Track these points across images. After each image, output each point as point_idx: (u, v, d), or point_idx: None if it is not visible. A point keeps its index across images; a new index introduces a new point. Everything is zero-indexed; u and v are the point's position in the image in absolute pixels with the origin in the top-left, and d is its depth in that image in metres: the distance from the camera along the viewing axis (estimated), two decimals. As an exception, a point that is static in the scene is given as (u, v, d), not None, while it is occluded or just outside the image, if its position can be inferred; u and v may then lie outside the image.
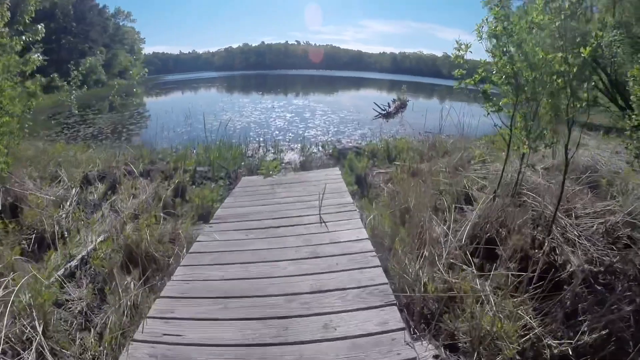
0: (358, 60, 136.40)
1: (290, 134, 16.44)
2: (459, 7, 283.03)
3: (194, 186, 8.17)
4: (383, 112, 22.88)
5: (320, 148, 12.64)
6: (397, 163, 9.39)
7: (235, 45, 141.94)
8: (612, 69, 21.65)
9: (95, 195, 7.19)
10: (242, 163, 10.11)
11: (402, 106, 26.62)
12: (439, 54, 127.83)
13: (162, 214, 5.92)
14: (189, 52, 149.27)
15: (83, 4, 51.14)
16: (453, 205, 5.35)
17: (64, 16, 47.06)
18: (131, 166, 8.67)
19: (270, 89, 47.52)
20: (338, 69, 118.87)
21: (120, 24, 68.09)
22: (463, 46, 5.07)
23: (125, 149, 11.01)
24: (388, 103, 25.52)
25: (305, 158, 10.32)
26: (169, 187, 7.43)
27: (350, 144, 12.90)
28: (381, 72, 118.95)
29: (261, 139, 14.48)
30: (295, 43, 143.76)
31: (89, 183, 7.76)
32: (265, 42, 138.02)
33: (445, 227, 4.81)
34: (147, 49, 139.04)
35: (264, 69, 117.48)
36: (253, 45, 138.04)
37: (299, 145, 13.48)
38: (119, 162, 9.11)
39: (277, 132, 16.84)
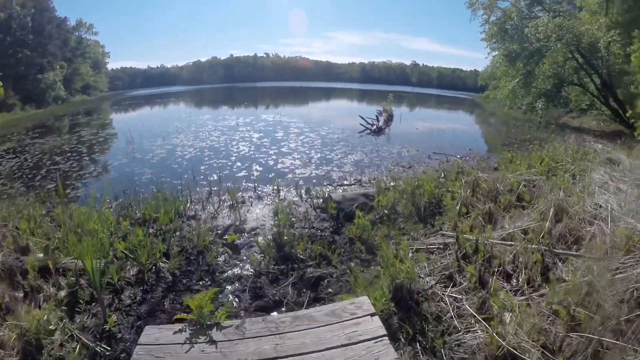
0: (328, 71, 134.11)
1: (256, 167, 11.87)
2: (425, 17, 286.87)
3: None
4: (372, 128, 18.79)
5: (303, 195, 8.38)
6: (449, 233, 5.31)
7: (203, 59, 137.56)
8: (607, 71, 21.41)
9: None
10: (169, 245, 5.75)
11: (389, 119, 22.78)
12: (408, 62, 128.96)
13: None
14: (157, 67, 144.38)
15: (42, 16, 46.27)
16: None
17: (21, 29, 42.17)
18: None
19: (237, 102, 42.82)
20: (308, 80, 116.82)
21: (83, 37, 63.56)
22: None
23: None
24: (376, 116, 21.57)
25: (280, 227, 5.92)
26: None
27: (350, 189, 8.75)
28: (351, 82, 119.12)
29: (213, 177, 10.22)
30: (264, 55, 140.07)
31: None
32: (234, 55, 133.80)
33: None
34: (114, 64, 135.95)
35: (233, 81, 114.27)
36: (222, 58, 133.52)
37: (270, 188, 9.22)
38: None
39: (238, 164, 12.25)
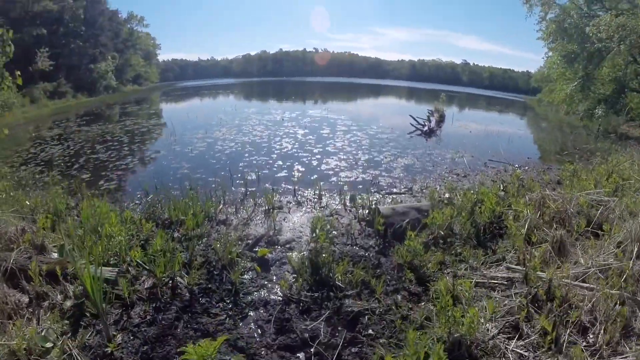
0: (376, 68, 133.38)
1: (298, 167, 11.07)
2: (474, 14, 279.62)
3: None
4: (423, 129, 17.70)
5: (348, 204, 7.54)
6: (516, 267, 4.48)
7: (253, 52, 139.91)
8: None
9: None
10: (191, 255, 5.07)
11: (441, 119, 21.57)
12: (458, 61, 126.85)
13: None
14: (207, 59, 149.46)
15: (94, 8, 47.71)
16: None
17: (73, 20, 43.59)
18: None
19: (284, 96, 42.41)
20: (356, 77, 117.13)
21: (134, 29, 66.18)
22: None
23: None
24: (427, 116, 20.40)
25: (317, 242, 5.04)
26: None
27: (400, 198, 7.84)
28: (399, 79, 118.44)
29: (251, 176, 9.61)
30: (313, 50, 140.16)
31: None
32: (283, 49, 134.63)
33: None
34: (166, 56, 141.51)
35: (281, 76, 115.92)
36: (271, 52, 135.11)
37: (311, 192, 8.44)
38: None
39: (279, 163, 11.40)
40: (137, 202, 7.87)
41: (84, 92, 41.72)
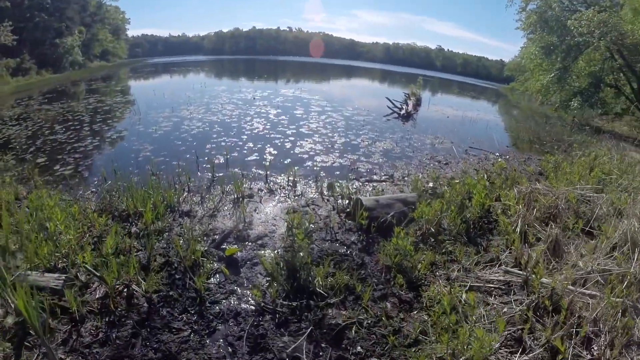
0: (350, 49, 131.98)
1: (270, 149, 10.19)
2: (450, 1, 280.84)
3: None
4: (400, 112, 17.21)
5: (325, 192, 6.94)
6: (514, 271, 4.27)
7: (225, 30, 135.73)
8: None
9: None
10: (150, 254, 4.45)
11: (418, 103, 21.21)
12: (433, 46, 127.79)
13: None
14: (179, 35, 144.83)
15: None
16: None
17: None
18: None
19: (257, 75, 41.17)
20: (330, 57, 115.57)
21: (102, 2, 62.78)
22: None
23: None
24: (405, 99, 19.95)
25: (293, 239, 4.46)
26: None
27: (381, 188, 7.27)
28: (373, 62, 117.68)
29: (219, 159, 9.01)
30: (287, 29, 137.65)
31: None
32: (257, 27, 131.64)
33: None
34: (135, 31, 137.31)
35: (254, 54, 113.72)
36: (244, 30, 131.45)
37: (284, 178, 7.82)
38: None
39: (250, 145, 10.51)
40: (94, 189, 7.11)
41: (49, 69, 39.44)
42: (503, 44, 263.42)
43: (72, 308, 3.49)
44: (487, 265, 4.45)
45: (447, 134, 13.55)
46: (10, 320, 3.34)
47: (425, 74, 53.31)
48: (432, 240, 4.89)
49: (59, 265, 4.22)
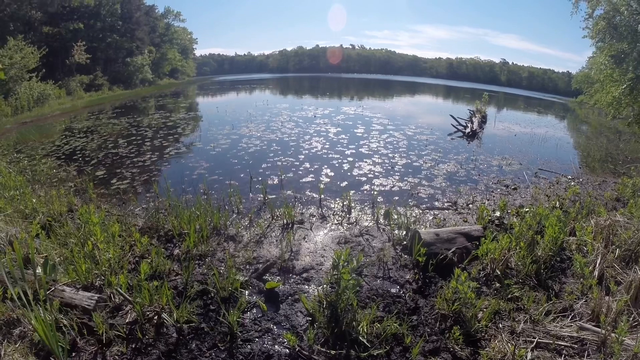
0: (413, 65, 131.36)
1: (327, 171, 9.84)
2: (513, 13, 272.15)
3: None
4: (465, 130, 16.39)
5: (381, 220, 6.42)
6: (592, 327, 3.62)
7: (289, 48, 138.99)
8: None
9: None
10: (187, 281, 4.21)
11: (483, 120, 20.24)
12: (496, 59, 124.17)
13: None
14: (244, 54, 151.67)
15: (130, 3, 48.74)
16: None
17: (110, 15, 44.80)
18: None
19: (320, 92, 41.35)
20: (393, 74, 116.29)
21: (171, 23, 67.51)
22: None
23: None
24: (469, 117, 19.09)
25: (339, 278, 3.97)
26: None
27: (443, 217, 6.65)
28: (436, 77, 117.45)
29: (273, 180, 8.82)
30: (350, 47, 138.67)
31: None
32: (320, 45, 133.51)
33: None
34: (203, 51, 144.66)
35: (317, 72, 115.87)
36: (307, 48, 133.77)
37: (339, 203, 7.39)
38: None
39: (306, 165, 10.23)
40: (144, 205, 7.06)
41: (120, 85, 42.62)
42: (570, 55, 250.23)
43: (99, 330, 3.34)
44: (558, 316, 3.79)
45: (515, 154, 12.64)
46: (37, 336, 3.20)
47: (489, 89, 51.53)
48: (497, 283, 4.28)
49: (96, 283, 4.11)
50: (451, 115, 18.17)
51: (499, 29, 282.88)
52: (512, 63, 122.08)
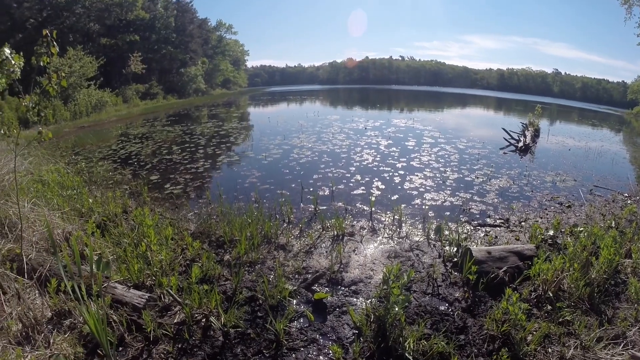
0: (464, 77, 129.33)
1: (378, 183, 9.76)
2: (561, 21, 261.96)
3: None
4: (517, 145, 15.92)
5: (432, 236, 6.30)
6: None
7: (339, 60, 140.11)
8: None
9: None
10: (236, 287, 4.31)
11: (536, 134, 19.63)
12: (548, 70, 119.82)
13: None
14: (295, 66, 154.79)
15: (184, 17, 51.53)
16: None
17: (165, 28, 47.63)
18: None
19: (370, 104, 41.38)
20: (443, 85, 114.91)
21: (223, 36, 70.10)
22: None
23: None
24: (522, 130, 18.56)
25: (388, 292, 3.91)
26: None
27: (495, 234, 6.48)
28: (488, 89, 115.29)
29: (324, 191, 8.86)
30: (399, 58, 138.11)
31: None
32: (369, 57, 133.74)
33: None
34: (255, 62, 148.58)
35: (367, 83, 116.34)
36: (357, 59, 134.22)
37: (389, 217, 7.33)
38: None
39: (357, 178, 10.20)
40: (197, 211, 7.30)
41: (174, 94, 44.81)
42: (622, 63, 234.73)
43: (147, 328, 3.49)
44: (609, 343, 3.60)
45: (569, 170, 12.12)
46: (87, 328, 3.38)
47: (542, 101, 49.78)
48: (549, 306, 4.13)
49: (147, 283, 4.31)
50: (503, 129, 17.68)
51: (548, 37, 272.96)
52: (565, 73, 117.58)
